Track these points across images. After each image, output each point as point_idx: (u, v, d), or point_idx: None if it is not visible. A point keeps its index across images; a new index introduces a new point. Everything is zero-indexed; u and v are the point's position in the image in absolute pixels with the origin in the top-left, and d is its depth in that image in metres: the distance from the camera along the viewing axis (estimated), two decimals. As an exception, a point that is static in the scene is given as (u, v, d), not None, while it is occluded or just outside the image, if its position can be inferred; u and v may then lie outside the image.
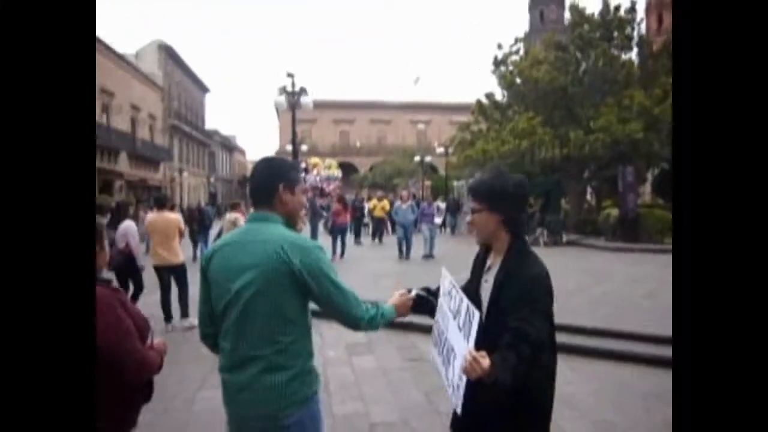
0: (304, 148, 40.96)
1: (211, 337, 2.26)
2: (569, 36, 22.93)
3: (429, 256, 14.70)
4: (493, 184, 2.24)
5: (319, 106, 52.87)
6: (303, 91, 17.62)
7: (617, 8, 21.74)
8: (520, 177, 2.32)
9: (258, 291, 2.06)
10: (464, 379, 1.88)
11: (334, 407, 5.00)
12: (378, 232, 19.97)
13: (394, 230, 18.98)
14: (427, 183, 41.50)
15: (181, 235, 8.31)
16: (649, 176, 27.80)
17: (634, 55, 22.72)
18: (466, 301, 2.02)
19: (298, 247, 2.09)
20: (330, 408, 4.94)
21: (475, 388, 1.96)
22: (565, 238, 18.40)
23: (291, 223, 2.28)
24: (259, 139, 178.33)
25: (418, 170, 42.84)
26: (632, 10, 21.86)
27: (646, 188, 30.38)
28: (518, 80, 22.49)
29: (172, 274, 8.06)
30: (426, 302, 2.46)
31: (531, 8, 64.45)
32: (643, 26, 26.94)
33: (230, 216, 9.77)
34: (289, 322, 2.09)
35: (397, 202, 16.45)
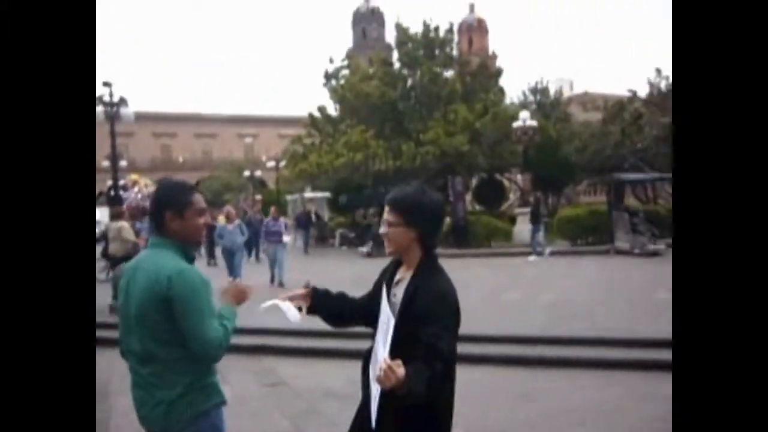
0: (123, 163, 37.81)
1: (125, 354, 2.36)
2: (395, 53, 23.90)
3: (279, 283, 11.97)
4: (414, 200, 2.17)
5: (138, 118, 49.20)
6: (123, 101, 16.17)
7: (437, 28, 23.09)
8: (438, 196, 2.29)
9: (144, 314, 2.18)
10: (379, 389, 1.84)
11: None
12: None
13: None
14: (258, 197, 40.63)
15: None
16: (470, 185, 29.89)
17: (453, 73, 24.30)
18: (388, 311, 2.02)
19: (182, 279, 2.19)
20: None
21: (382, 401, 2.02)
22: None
23: (189, 246, 2.39)
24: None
25: (248, 185, 41.75)
26: (450, 30, 23.38)
27: (468, 196, 32.61)
28: (349, 94, 22.86)
29: None
30: (325, 299, 2.42)
31: (354, 25, 66.42)
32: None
33: (115, 225, 10.18)
34: (172, 342, 2.19)
35: (220, 221, 13.39)
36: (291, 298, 2.37)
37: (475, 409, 5.05)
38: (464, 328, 7.24)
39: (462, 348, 6.85)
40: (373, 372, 2.15)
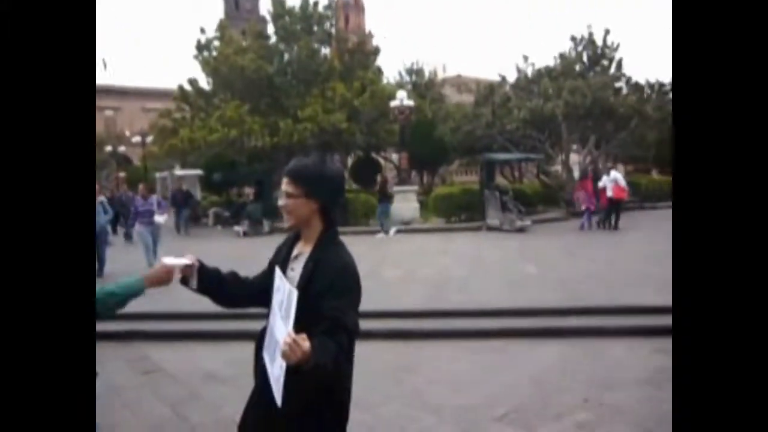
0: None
1: None
2: (270, 26, 23.22)
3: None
4: (315, 170, 2.10)
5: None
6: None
7: (316, 4, 22.73)
8: (339, 166, 2.25)
9: None
10: (284, 367, 1.77)
11: None
12: None
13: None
14: (122, 175, 38.01)
15: None
16: (347, 164, 30.04)
17: (330, 50, 24.08)
18: (287, 285, 1.93)
19: None
20: None
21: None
22: (267, 227, 18.52)
23: None
24: None
25: (111, 162, 38.95)
26: (329, 6, 23.12)
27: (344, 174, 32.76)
28: (223, 67, 21.92)
29: None
30: (215, 276, 2.29)
31: (226, -5, 63.54)
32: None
33: None
34: None
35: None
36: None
37: (360, 381, 5.10)
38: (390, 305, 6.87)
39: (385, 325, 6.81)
40: (268, 353, 2.08)
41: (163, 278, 2.22)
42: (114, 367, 5.89)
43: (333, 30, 23.67)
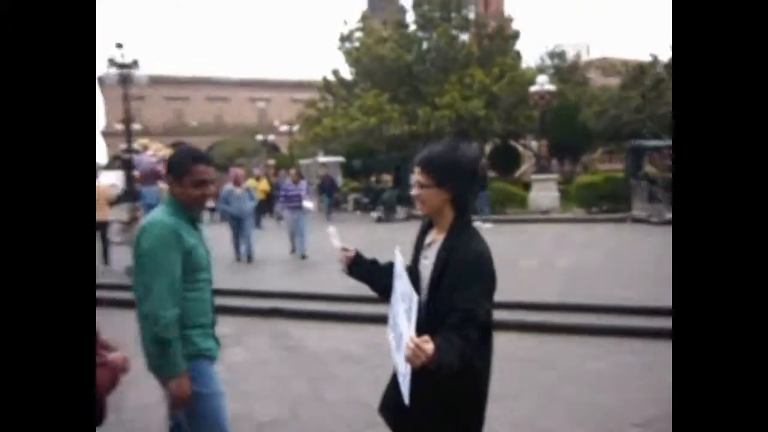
0: (136, 127, 37.85)
1: None
2: (411, 15, 23.42)
3: (301, 255, 10.76)
4: (447, 158, 2.05)
5: (151, 81, 49.07)
6: (135, 63, 16.02)
7: (454, -11, 22.57)
8: (475, 151, 2.16)
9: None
10: (409, 367, 1.76)
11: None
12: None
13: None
14: (271, 162, 40.56)
15: None
16: (485, 151, 29.60)
17: (470, 35, 23.78)
18: (409, 285, 1.90)
19: (146, 227, 2.38)
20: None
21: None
22: (402, 213, 18.74)
23: (191, 210, 2.49)
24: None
25: (261, 149, 41.67)
26: (468, -8, 22.83)
27: (482, 162, 32.33)
28: (364, 57, 22.50)
29: None
30: (363, 265, 2.38)
31: (368, -14, 65.05)
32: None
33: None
34: None
35: (227, 185, 11.10)
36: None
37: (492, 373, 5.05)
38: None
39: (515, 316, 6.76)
40: (395, 342, 2.09)
41: (185, 397, 2.36)
42: (258, 341, 6.34)
43: (471, 15, 23.32)
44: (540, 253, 10.74)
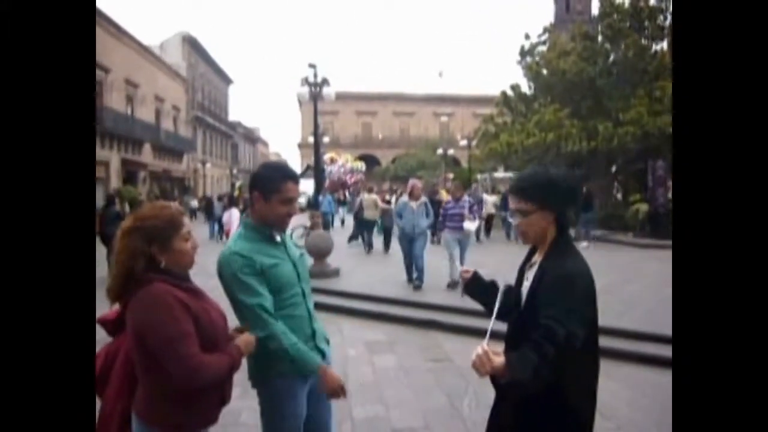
0: (326, 140, 40.83)
1: None
2: (597, 26, 22.36)
3: (449, 284, 9.20)
4: (544, 181, 2.06)
5: (342, 97, 52.59)
6: (325, 82, 17.35)
7: (648, -3, 21.11)
8: (564, 170, 2.17)
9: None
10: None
11: (354, 410, 4.79)
12: (367, 237, 15.72)
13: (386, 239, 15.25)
14: (450, 176, 41.16)
15: None
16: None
17: (665, 45, 22.03)
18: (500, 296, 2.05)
19: (220, 259, 2.37)
20: (350, 410, 4.73)
21: (505, 397, 2.05)
22: (590, 235, 17.79)
23: (271, 229, 2.47)
24: (282, 131, 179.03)
25: (441, 163, 42.44)
26: (663, -1, 21.21)
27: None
28: (545, 71, 21.97)
29: None
30: (480, 284, 2.41)
31: (557, -1, 63.27)
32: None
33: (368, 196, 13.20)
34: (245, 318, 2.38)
35: (403, 198, 10.36)
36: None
37: (647, 414, 4.72)
38: (644, 325, 6.72)
39: (638, 346, 6.41)
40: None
41: (335, 387, 2.43)
42: (408, 350, 6.57)
43: (667, 23, 21.60)
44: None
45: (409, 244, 9.52)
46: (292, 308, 2.46)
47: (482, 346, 1.76)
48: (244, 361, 2.32)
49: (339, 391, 2.45)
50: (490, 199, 19.18)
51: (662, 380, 5.49)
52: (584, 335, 1.92)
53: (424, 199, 9.79)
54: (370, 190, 17.39)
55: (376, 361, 6.19)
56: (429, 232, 10.18)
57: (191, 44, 45.24)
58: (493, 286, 2.41)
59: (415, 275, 9.49)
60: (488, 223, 18.53)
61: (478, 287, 2.43)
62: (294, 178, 2.48)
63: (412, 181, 10.25)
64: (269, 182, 2.43)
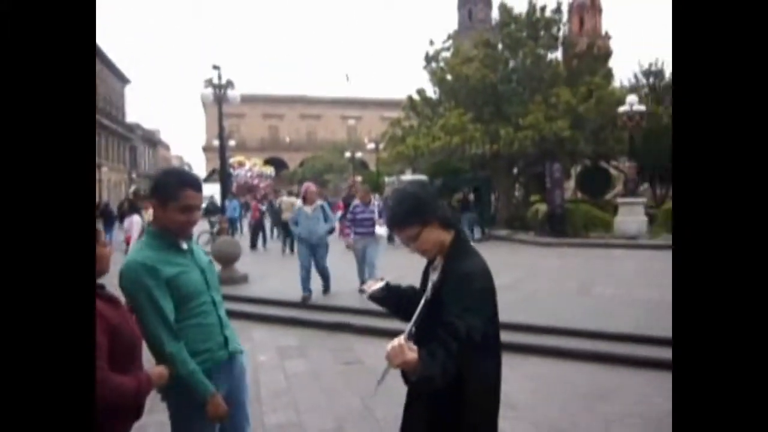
0: (231, 143, 39.80)
1: None
2: (498, 35, 23.29)
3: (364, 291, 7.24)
4: (413, 201, 2.14)
5: (248, 100, 51.70)
6: (230, 84, 16.91)
7: (543, 9, 22.24)
8: (418, 181, 2.25)
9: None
10: (388, 367, 1.81)
11: (265, 416, 4.68)
12: (289, 240, 15.55)
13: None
14: (359, 178, 41.40)
15: None
16: (573, 173, 28.71)
17: (559, 54, 23.30)
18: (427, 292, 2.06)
19: (123, 269, 2.27)
20: (261, 417, 4.62)
21: (413, 395, 2.11)
22: (478, 233, 18.58)
23: (176, 236, 2.39)
24: (185, 133, 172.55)
25: (349, 166, 42.61)
26: (558, 10, 22.42)
27: (570, 184, 31.39)
28: (449, 77, 22.58)
29: None
30: (391, 294, 2.40)
31: (460, 7, 65.56)
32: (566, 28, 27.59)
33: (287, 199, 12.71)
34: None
35: (297, 202, 9.69)
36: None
37: (547, 404, 4.93)
38: (546, 319, 7.01)
39: (540, 340, 6.70)
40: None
41: (221, 415, 2.34)
42: (319, 354, 6.51)
43: (561, 34, 22.87)
44: (618, 280, 10.31)
45: (308, 252, 8.65)
46: (202, 317, 2.39)
47: (399, 339, 1.78)
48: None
49: (221, 419, 2.38)
50: None
51: (563, 371, 5.79)
52: (484, 330, 1.99)
53: (319, 202, 8.92)
54: (289, 193, 18.46)
55: (288, 367, 6.09)
56: (385, 236, 9.32)
57: (84, 41, 42.71)
58: (398, 289, 2.43)
59: (305, 289, 8.63)
60: None
61: (386, 296, 2.42)
62: (194, 185, 2.38)
63: (305, 184, 9.49)
64: (166, 189, 2.34)
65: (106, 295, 2.03)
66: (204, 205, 18.01)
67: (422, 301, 1.92)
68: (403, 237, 2.16)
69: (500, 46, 22.62)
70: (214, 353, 2.43)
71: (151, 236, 2.38)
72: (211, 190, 24.09)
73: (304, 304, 8.55)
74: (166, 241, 2.37)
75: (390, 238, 17.18)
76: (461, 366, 1.91)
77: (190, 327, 2.33)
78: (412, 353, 1.74)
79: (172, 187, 2.34)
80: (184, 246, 2.43)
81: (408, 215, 2.12)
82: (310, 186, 9.21)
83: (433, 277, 2.20)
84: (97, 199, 36.89)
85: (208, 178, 52.24)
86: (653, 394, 5.13)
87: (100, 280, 2.07)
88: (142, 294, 2.21)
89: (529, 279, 10.52)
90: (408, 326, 1.90)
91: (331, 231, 9.15)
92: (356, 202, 9.59)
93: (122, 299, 2.22)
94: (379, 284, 2.39)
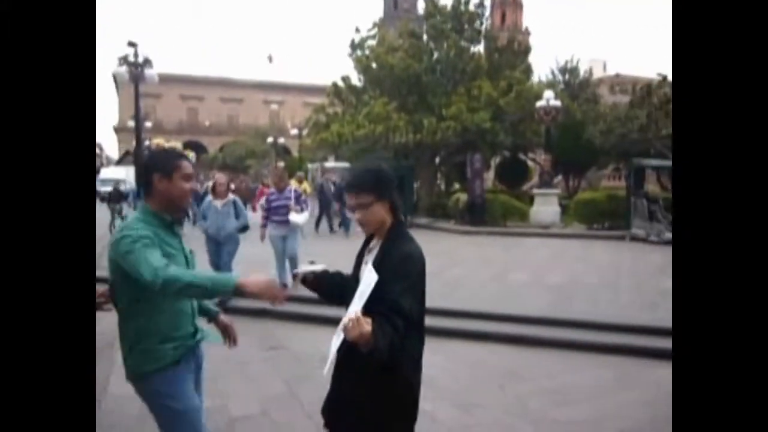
0: (148, 124, 38.22)
1: None
2: (423, 25, 23.60)
3: (282, 284, 7.65)
4: (379, 174, 2.25)
5: (166, 80, 49.60)
6: (147, 62, 16.29)
7: (467, 2, 22.70)
8: (390, 162, 2.34)
9: (114, 280, 2.38)
10: (341, 337, 1.92)
11: (187, 404, 4.63)
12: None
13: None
14: (281, 164, 40.80)
15: None
16: (493, 164, 29.65)
17: (481, 48, 23.90)
18: (370, 271, 2.05)
19: (114, 240, 2.33)
20: (183, 405, 4.57)
21: (343, 368, 2.19)
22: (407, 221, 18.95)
23: (173, 210, 2.50)
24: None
25: (271, 151, 41.98)
26: (481, 4, 22.97)
27: (490, 174, 32.43)
28: (374, 65, 22.67)
29: None
30: (325, 278, 2.46)
31: (385, -5, 65.56)
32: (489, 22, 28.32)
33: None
34: (122, 307, 2.42)
35: (208, 197, 8.37)
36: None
37: (466, 384, 5.16)
38: (466, 305, 7.24)
39: (461, 324, 6.95)
40: (337, 332, 2.15)
41: (274, 296, 2.24)
42: (244, 341, 6.41)
43: (484, 28, 23.46)
44: (532, 267, 10.81)
45: (216, 249, 7.95)
46: (180, 303, 2.49)
47: (356, 311, 1.88)
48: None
49: (272, 290, 2.24)
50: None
51: (479, 353, 6.06)
52: (417, 310, 2.14)
53: (231, 197, 8.09)
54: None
55: (212, 353, 5.99)
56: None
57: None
58: (329, 276, 2.48)
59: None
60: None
61: (321, 281, 2.47)
62: (185, 157, 2.56)
63: (216, 176, 8.74)
64: (168, 162, 2.48)
65: None
66: (108, 190, 17.14)
67: (373, 281, 1.97)
68: (354, 202, 2.23)
69: (425, 36, 22.94)
70: (185, 341, 2.50)
71: (148, 214, 2.44)
72: (124, 173, 23.12)
73: (222, 305, 7.21)
74: (162, 220, 2.45)
75: (325, 228, 17.02)
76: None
77: (167, 312, 2.41)
78: (367, 326, 1.85)
79: (172, 159, 2.49)
80: (179, 229, 2.55)
81: (370, 184, 2.22)
82: (219, 178, 8.32)
83: (369, 258, 2.29)
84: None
85: (121, 161, 49.95)
86: (562, 371, 5.48)
87: None
88: (138, 245, 2.21)
89: (450, 266, 10.83)
90: (361, 300, 1.95)
91: (243, 229, 8.11)
92: (270, 189, 8.84)
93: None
94: (318, 267, 2.45)
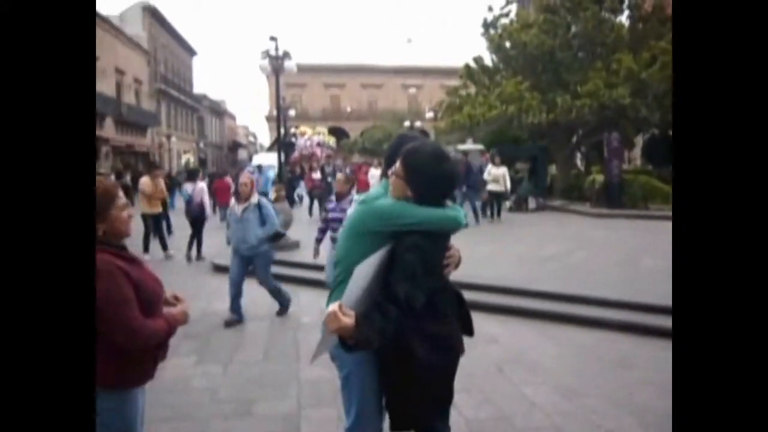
0: (292, 113, 40.48)
1: None
2: (560, -1, 22.53)
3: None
4: (415, 160, 2.25)
5: (310, 70, 52.13)
6: (287, 55, 17.26)
7: (609, -31, 21.29)
8: (448, 165, 2.29)
9: None
10: (325, 331, 1.95)
11: (301, 372, 5.06)
12: None
13: None
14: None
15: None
16: (640, 141, 27.72)
17: (624, 18, 22.34)
18: (370, 260, 2.10)
19: (360, 211, 2.39)
20: (297, 374, 5.02)
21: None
22: (534, 204, 18.45)
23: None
24: (249, 104, 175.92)
25: (408, 135, 42.43)
26: (625, -30, 21.44)
27: (636, 153, 30.35)
28: (507, 44, 22.13)
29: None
30: None
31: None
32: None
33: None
34: None
35: (232, 202, 7.24)
36: None
37: (571, 370, 5.10)
38: (582, 290, 7.16)
39: (573, 309, 6.77)
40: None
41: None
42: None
43: (626, -3, 21.87)
44: (667, 252, 10.12)
45: (240, 264, 6.57)
46: None
47: (334, 306, 1.90)
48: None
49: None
50: (497, 172, 15.69)
51: (587, 339, 5.91)
52: (425, 298, 2.14)
53: (255, 199, 6.61)
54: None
55: (327, 328, 6.42)
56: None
57: (152, 14, 44.10)
58: None
59: (233, 310, 6.57)
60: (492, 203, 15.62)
61: None
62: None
63: (243, 175, 7.30)
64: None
65: (128, 256, 2.31)
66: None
67: (361, 273, 2.03)
68: (397, 165, 2.30)
69: (562, 10, 21.89)
70: None
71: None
72: (273, 159, 24.75)
73: (228, 325, 6.38)
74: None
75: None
76: (406, 327, 2.09)
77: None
78: (347, 318, 1.87)
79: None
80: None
81: (406, 161, 2.25)
82: (244, 177, 6.94)
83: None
84: (167, 168, 38.61)
85: (272, 147, 53.42)
86: (665, 360, 5.20)
87: (122, 243, 2.36)
88: (395, 206, 2.29)
89: (575, 249, 10.49)
90: (350, 292, 2.00)
91: (274, 238, 6.73)
92: (331, 198, 7.45)
93: (142, 258, 2.44)
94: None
